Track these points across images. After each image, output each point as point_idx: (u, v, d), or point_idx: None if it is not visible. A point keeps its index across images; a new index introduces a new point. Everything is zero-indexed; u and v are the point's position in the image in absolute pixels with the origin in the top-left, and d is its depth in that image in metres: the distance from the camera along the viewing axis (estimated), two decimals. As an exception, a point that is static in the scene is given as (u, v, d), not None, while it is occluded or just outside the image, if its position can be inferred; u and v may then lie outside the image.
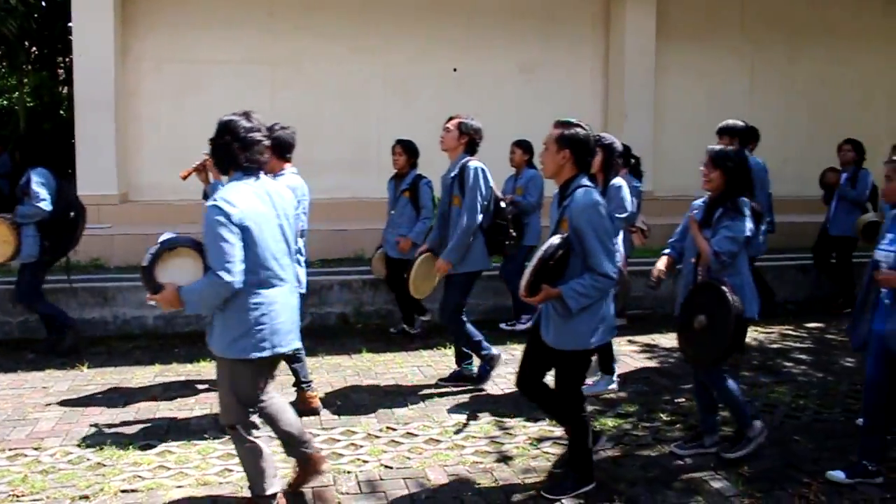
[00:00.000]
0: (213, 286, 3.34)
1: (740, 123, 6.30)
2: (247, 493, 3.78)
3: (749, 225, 4.29)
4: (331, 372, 6.16)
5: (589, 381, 5.66)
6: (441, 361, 6.39)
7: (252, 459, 3.63)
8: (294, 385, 5.25)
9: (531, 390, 4.11)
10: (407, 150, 6.92)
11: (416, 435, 4.81)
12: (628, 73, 10.27)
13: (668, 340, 6.98)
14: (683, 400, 5.50)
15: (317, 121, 9.55)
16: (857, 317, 4.29)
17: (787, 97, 11.28)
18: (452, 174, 5.56)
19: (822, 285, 8.60)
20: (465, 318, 5.68)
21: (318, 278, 7.51)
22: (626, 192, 5.59)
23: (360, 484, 4.12)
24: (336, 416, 5.15)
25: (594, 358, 5.59)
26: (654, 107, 10.40)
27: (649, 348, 6.91)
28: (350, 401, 5.47)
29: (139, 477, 4.17)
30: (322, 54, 9.61)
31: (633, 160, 7.21)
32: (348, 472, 4.26)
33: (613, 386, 5.67)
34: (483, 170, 5.46)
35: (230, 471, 4.26)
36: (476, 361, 5.79)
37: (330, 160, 9.60)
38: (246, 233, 3.38)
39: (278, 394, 3.94)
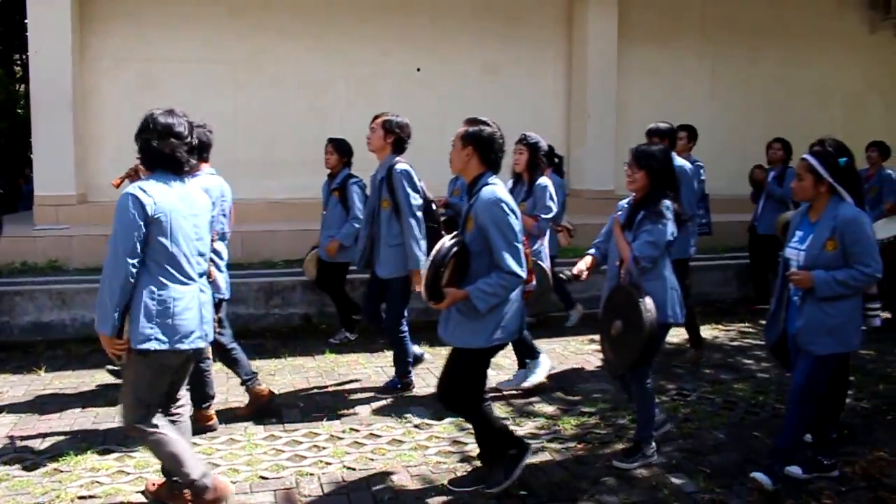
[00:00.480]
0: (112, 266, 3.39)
1: (664, 125, 6.19)
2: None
3: (671, 229, 4.23)
4: (294, 373, 6.11)
5: (508, 376, 5.74)
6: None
7: (162, 449, 3.60)
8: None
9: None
10: (338, 149, 6.84)
11: (379, 436, 4.79)
12: (591, 73, 10.34)
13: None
14: (645, 398, 5.55)
15: (279, 121, 9.48)
16: (772, 316, 4.24)
17: (746, 98, 11.44)
18: (380, 175, 5.45)
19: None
20: (405, 329, 5.58)
21: (282, 279, 7.46)
22: (551, 192, 5.58)
23: (323, 486, 4.10)
24: (299, 418, 5.11)
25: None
26: (617, 107, 10.49)
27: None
28: (313, 402, 5.43)
29: (97, 483, 4.10)
30: (284, 53, 9.54)
31: (556, 159, 7.19)
32: (311, 475, 4.23)
33: (527, 383, 5.57)
34: (409, 172, 5.35)
35: (191, 475, 4.20)
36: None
37: (293, 160, 9.54)
38: (157, 225, 3.42)
39: (188, 418, 3.92)
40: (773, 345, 4.22)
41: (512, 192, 5.63)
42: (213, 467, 4.30)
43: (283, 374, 6.08)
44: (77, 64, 8.74)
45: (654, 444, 4.43)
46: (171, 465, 3.63)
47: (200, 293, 3.63)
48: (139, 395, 3.56)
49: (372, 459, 4.44)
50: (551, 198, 5.59)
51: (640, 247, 4.17)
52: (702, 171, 7.44)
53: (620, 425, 5.01)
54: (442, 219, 5.68)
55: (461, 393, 3.93)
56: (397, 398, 5.50)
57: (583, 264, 4.53)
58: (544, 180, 5.61)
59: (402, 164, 5.37)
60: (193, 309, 3.58)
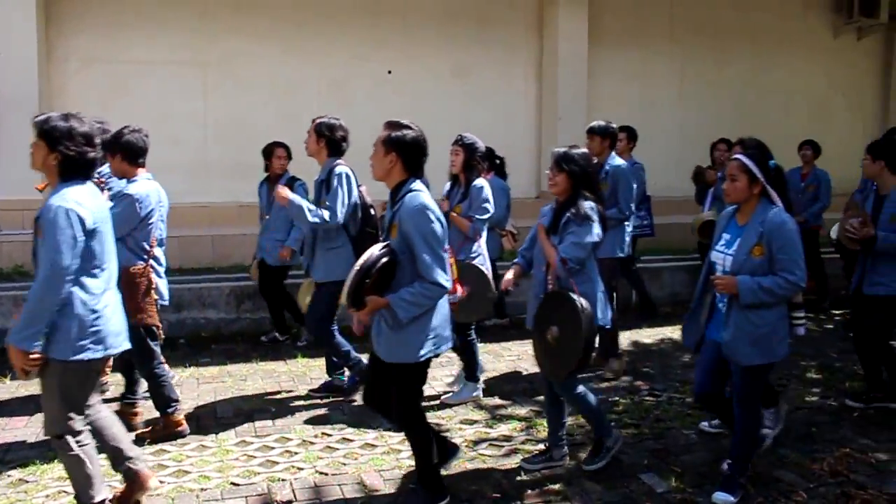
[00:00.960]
0: (51, 281, 3.37)
1: (602, 123, 6.12)
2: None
3: (597, 230, 4.17)
4: (265, 378, 6.07)
5: (455, 388, 5.66)
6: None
7: (79, 469, 3.57)
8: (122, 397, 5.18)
9: (377, 403, 3.95)
10: (288, 153, 6.97)
11: (351, 440, 4.77)
12: (561, 76, 10.38)
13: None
14: (618, 398, 5.58)
15: (250, 124, 9.40)
16: (691, 317, 4.18)
17: (715, 100, 11.55)
18: (320, 178, 5.41)
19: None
20: (334, 329, 5.48)
21: (253, 283, 7.40)
22: (487, 193, 5.47)
23: (296, 491, 4.07)
24: (270, 423, 5.08)
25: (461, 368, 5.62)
26: (587, 109, 10.53)
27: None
28: (285, 407, 5.40)
29: (64, 492, 4.03)
30: (255, 56, 9.46)
31: (497, 161, 7.14)
32: (283, 480, 4.20)
33: (478, 394, 5.55)
34: (349, 175, 5.28)
35: (161, 482, 4.16)
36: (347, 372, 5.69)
37: (264, 163, 9.45)
38: (93, 236, 3.45)
39: (105, 407, 3.87)
40: (692, 346, 4.18)
41: (449, 193, 5.65)
42: (184, 474, 4.26)
43: (255, 379, 6.03)
44: (43, 65, 8.60)
45: (614, 433, 4.42)
46: (82, 484, 3.58)
47: (116, 295, 3.68)
48: (71, 402, 3.53)
49: (344, 464, 4.42)
50: (487, 199, 5.45)
51: (567, 248, 4.13)
52: (642, 172, 7.45)
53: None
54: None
55: (404, 410, 3.80)
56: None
57: (510, 275, 4.50)
58: (480, 181, 5.49)
59: (341, 167, 5.30)
60: (119, 311, 3.65)
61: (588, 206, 4.18)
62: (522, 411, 5.32)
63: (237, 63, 9.37)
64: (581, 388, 4.29)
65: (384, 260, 3.56)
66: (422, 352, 3.66)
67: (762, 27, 11.81)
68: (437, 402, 5.46)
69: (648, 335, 7.46)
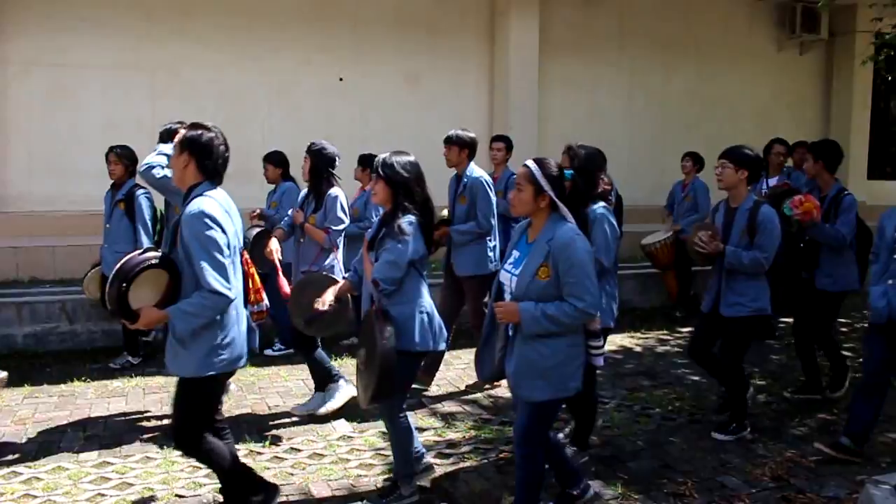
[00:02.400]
0: None
1: (459, 132, 5.80)
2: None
3: (413, 246, 3.80)
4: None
5: (301, 400, 5.52)
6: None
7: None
8: None
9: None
10: (123, 158, 6.44)
11: (299, 450, 4.73)
12: (513, 85, 10.45)
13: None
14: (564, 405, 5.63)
15: (198, 129, 9.29)
16: (484, 346, 3.70)
17: (662, 110, 11.74)
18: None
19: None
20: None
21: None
22: (342, 203, 5.28)
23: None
24: (217, 434, 5.00)
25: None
26: (538, 119, 10.63)
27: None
28: (232, 417, 5.32)
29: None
30: (203, 61, 9.34)
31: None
32: (229, 492, 4.14)
33: (331, 403, 5.30)
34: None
35: (103, 496, 4.07)
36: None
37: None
38: None
39: None
40: (489, 378, 3.78)
41: (302, 203, 5.44)
42: (128, 487, 4.18)
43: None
44: (-17, 69, 8.40)
45: (414, 483, 4.04)
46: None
47: None
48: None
49: (292, 474, 4.38)
50: (343, 209, 5.27)
51: (380, 268, 3.79)
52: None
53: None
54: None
55: (184, 427, 3.58)
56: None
57: (329, 295, 4.16)
58: (335, 191, 5.29)
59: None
60: None
61: (406, 220, 3.82)
62: (470, 420, 5.33)
63: (183, 68, 9.23)
64: (403, 417, 3.97)
65: (144, 265, 3.36)
66: (208, 363, 3.43)
67: (709, 40, 12.06)
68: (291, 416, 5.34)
69: (610, 341, 7.52)
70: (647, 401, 5.79)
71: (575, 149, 4.35)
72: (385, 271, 3.78)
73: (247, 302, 3.72)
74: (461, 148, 5.80)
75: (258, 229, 5.57)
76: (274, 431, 5.05)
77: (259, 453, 4.67)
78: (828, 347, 5.87)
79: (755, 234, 4.77)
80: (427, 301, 3.96)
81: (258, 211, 6.56)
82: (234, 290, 3.44)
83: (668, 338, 7.85)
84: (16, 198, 8.62)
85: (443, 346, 4.04)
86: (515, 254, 3.57)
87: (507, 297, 3.51)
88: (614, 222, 4.36)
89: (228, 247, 3.43)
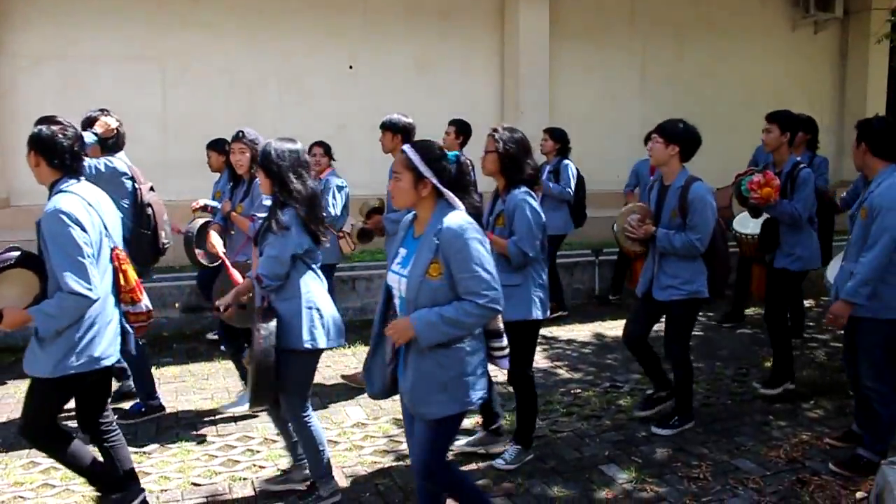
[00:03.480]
0: None
1: (393, 118, 5.66)
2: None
3: (296, 240, 3.63)
4: (227, 376, 6.00)
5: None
6: (340, 361, 6.34)
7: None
8: None
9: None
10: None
11: (314, 437, 4.75)
12: (523, 69, 10.40)
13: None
14: (580, 390, 5.62)
15: (209, 119, 9.28)
16: (372, 357, 3.25)
17: (675, 92, 11.64)
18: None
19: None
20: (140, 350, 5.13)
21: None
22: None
23: (257, 490, 4.05)
24: (232, 422, 5.03)
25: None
26: (550, 102, 10.58)
27: (547, 341, 7.03)
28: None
29: (21, 497, 3.98)
30: (213, 50, 9.34)
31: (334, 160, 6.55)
32: (244, 479, 4.18)
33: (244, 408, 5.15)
34: (114, 168, 4.99)
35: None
36: None
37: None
38: None
39: None
40: (378, 394, 3.26)
41: (232, 193, 5.34)
42: (144, 476, 4.21)
43: (217, 378, 5.98)
44: (-6, 62, 8.44)
45: (333, 484, 3.89)
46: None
47: None
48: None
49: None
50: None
51: (263, 263, 3.63)
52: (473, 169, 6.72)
53: (553, 419, 5.07)
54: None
55: (31, 427, 3.47)
56: (332, 399, 5.45)
57: (229, 297, 3.89)
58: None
59: (107, 160, 5.04)
60: None
61: (287, 212, 3.64)
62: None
63: (194, 57, 9.23)
64: (307, 417, 3.80)
65: (5, 263, 3.27)
66: (63, 364, 3.30)
67: (722, 21, 11.94)
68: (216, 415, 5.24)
69: (611, 326, 7.51)
70: (661, 385, 5.77)
71: (501, 131, 4.14)
72: (268, 267, 3.61)
73: (119, 301, 3.54)
74: (394, 133, 5.60)
75: (202, 220, 5.22)
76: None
77: (274, 441, 4.69)
78: (776, 334, 5.52)
79: (686, 214, 4.50)
80: (317, 296, 3.73)
81: (200, 203, 6.21)
82: (98, 290, 3.31)
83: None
84: (27, 191, 8.67)
85: (335, 344, 3.78)
86: (402, 251, 3.12)
87: (397, 301, 3.10)
88: (537, 207, 4.11)
89: (91, 245, 3.32)
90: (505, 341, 3.19)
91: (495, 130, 4.15)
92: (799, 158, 5.53)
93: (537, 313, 4.17)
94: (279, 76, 9.61)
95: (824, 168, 7.00)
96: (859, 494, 3.94)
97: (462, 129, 6.99)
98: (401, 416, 4.55)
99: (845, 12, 12.30)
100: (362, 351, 6.62)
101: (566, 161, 7.78)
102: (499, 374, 4.65)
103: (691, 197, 4.48)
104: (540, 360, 6.39)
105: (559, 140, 7.86)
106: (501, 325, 3.17)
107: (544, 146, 7.86)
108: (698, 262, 4.61)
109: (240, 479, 4.17)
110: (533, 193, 4.18)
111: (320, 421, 4.00)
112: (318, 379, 5.81)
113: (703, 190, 4.51)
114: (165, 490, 4.06)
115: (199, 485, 4.12)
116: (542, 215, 4.16)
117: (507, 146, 4.10)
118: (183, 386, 5.78)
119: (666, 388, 5.06)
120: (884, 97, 12.99)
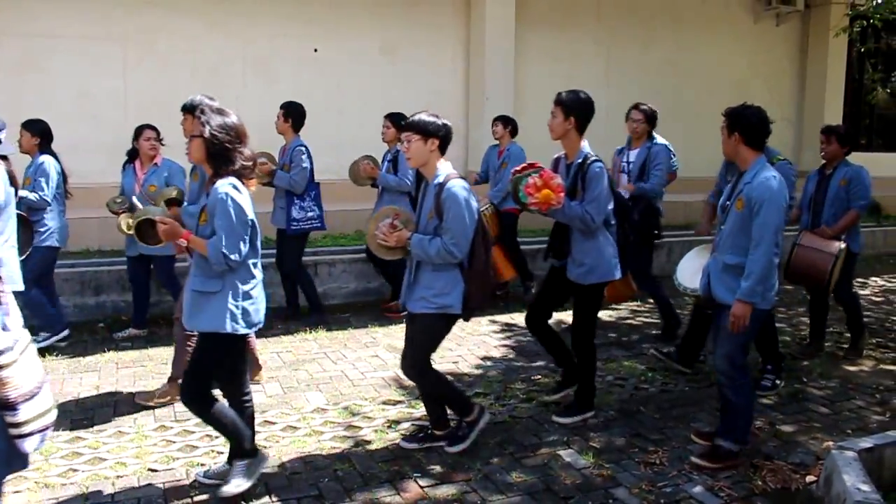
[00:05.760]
0: None
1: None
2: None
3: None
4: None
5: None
6: (301, 346, 6.33)
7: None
8: None
9: None
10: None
11: (273, 423, 4.74)
12: (489, 56, 10.41)
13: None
14: (539, 377, 5.68)
15: (173, 102, 9.03)
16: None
17: (640, 82, 11.74)
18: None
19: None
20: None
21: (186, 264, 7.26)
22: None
23: (215, 475, 4.02)
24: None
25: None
26: (515, 90, 10.60)
27: (508, 328, 7.08)
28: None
29: (73, 470, 3.91)
30: (177, 30, 9.20)
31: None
32: (202, 465, 4.15)
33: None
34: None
35: (75, 471, 4.06)
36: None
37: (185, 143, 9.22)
38: None
39: None
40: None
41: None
42: (100, 461, 4.17)
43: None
44: (-51, 39, 8.24)
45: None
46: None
47: None
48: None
49: (266, 447, 4.38)
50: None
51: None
52: (304, 156, 6.64)
53: (512, 405, 5.11)
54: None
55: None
56: (293, 385, 5.45)
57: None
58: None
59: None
60: None
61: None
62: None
63: (159, 38, 9.11)
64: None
65: None
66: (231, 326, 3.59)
67: (686, 11, 12.07)
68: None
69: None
70: (619, 371, 5.85)
71: (208, 113, 3.66)
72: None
73: None
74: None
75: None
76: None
77: (233, 426, 4.66)
78: (582, 356, 4.81)
79: (442, 216, 3.96)
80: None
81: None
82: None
83: (642, 309, 7.91)
84: (-15, 171, 8.50)
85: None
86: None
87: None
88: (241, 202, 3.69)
89: None
90: (17, 414, 2.61)
91: (202, 112, 3.62)
92: (590, 153, 4.76)
93: (234, 326, 3.65)
94: (244, 58, 9.52)
95: (791, 173, 5.52)
96: (809, 478, 4.03)
97: (289, 112, 6.80)
98: (360, 402, 4.56)
99: (806, 5, 12.53)
100: (323, 336, 6.61)
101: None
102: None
103: (444, 196, 3.94)
104: (500, 347, 6.44)
105: (508, 123, 8.06)
106: (12, 396, 2.59)
107: (495, 132, 8.08)
108: (454, 271, 4.07)
109: (198, 465, 4.14)
110: (238, 185, 3.63)
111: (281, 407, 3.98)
112: (277, 365, 5.83)
113: (456, 191, 3.94)
114: (121, 476, 4.01)
115: (156, 471, 4.08)
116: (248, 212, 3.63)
117: (213, 131, 3.58)
118: (142, 371, 5.72)
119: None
120: (842, 89, 13.23)
